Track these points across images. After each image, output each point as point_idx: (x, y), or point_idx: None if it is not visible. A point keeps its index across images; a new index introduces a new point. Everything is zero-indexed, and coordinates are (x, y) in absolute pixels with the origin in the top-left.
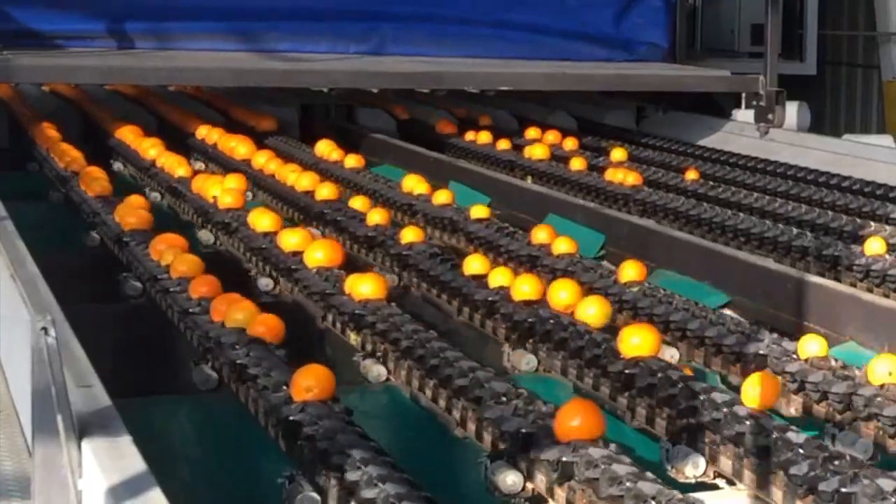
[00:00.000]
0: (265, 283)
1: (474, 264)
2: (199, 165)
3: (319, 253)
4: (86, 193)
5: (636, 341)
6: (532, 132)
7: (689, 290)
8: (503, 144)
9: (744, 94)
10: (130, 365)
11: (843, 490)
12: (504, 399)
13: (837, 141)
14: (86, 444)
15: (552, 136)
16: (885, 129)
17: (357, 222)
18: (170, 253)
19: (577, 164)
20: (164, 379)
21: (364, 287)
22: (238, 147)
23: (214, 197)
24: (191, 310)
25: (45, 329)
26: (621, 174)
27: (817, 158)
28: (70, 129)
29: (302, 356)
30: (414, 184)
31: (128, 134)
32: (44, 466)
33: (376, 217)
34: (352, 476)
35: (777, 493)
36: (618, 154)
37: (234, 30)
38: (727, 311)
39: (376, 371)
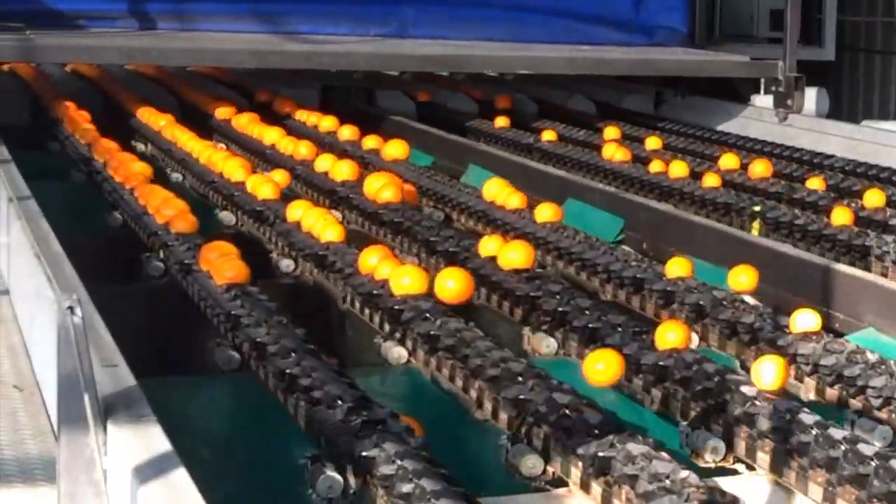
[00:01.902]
0: (286, 263)
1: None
2: (221, 146)
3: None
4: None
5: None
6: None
7: (708, 275)
8: (657, 167)
9: (763, 80)
10: (153, 345)
11: (859, 473)
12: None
13: (856, 127)
14: (111, 425)
15: (731, 159)
16: None
17: (634, 340)
18: None
19: (842, 216)
20: (186, 359)
21: None
22: (382, 191)
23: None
24: None
25: (71, 308)
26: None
27: (836, 144)
28: (91, 109)
29: (323, 338)
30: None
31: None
32: (69, 447)
33: (675, 334)
34: None
35: (796, 479)
36: (815, 183)
37: (254, 11)
38: (746, 297)
39: (397, 353)
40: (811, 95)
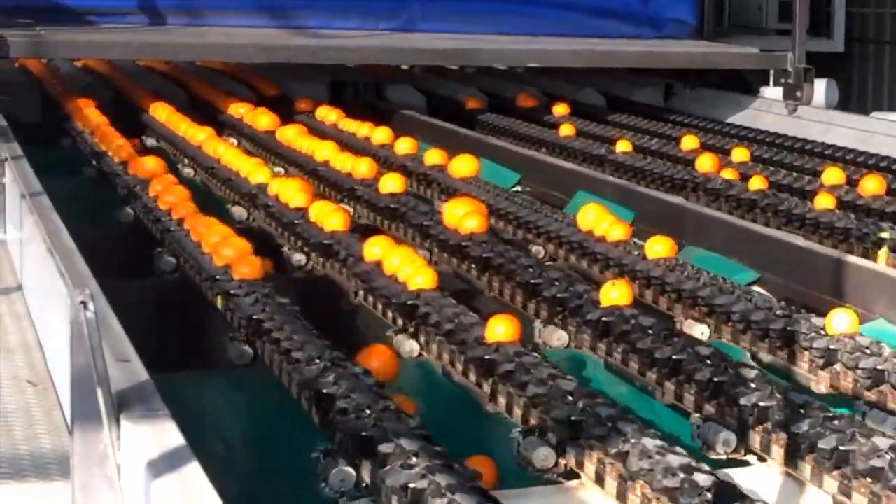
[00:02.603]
0: (298, 258)
1: None
2: (233, 141)
3: None
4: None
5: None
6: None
7: (718, 266)
8: (759, 183)
9: (772, 71)
10: (165, 340)
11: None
12: None
13: (865, 118)
14: (124, 419)
15: (836, 174)
16: None
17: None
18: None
19: None
20: (199, 354)
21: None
22: (466, 220)
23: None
24: None
25: (84, 303)
26: None
27: (845, 136)
28: (102, 104)
29: (334, 331)
30: None
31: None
32: (83, 441)
33: None
34: None
35: (807, 470)
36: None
37: (264, 6)
38: (756, 288)
39: (409, 346)
40: (820, 87)
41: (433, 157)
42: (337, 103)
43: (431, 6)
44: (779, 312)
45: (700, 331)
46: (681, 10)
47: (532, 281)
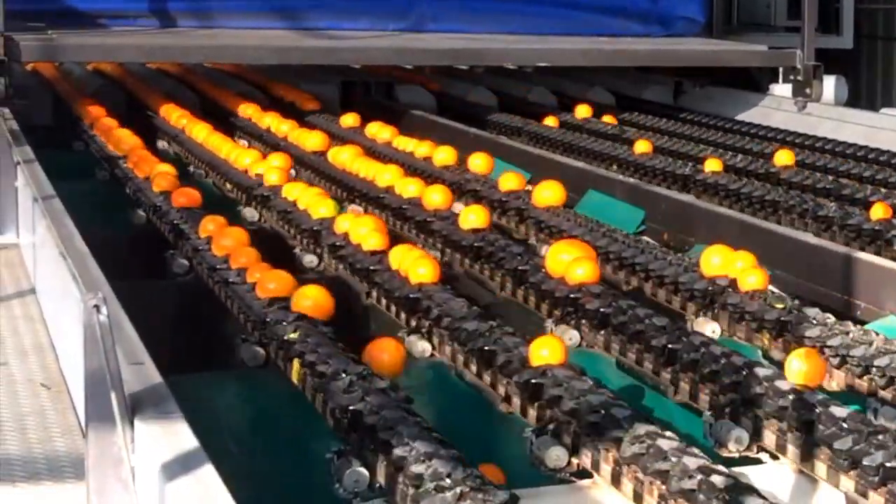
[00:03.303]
0: (309, 259)
1: None
2: (243, 143)
3: None
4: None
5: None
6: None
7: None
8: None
9: (781, 69)
10: (177, 342)
11: (887, 465)
12: None
13: (875, 115)
14: (138, 421)
15: None
16: None
17: None
18: None
19: None
20: (211, 356)
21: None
22: (574, 267)
23: None
24: None
25: (97, 307)
26: None
27: (855, 132)
28: (114, 106)
29: (346, 332)
30: None
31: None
32: (97, 444)
33: None
34: None
35: (820, 468)
36: None
37: (274, 7)
38: (771, 287)
39: (421, 347)
40: (830, 84)
41: (509, 181)
42: (348, 104)
43: (441, 6)
44: None
45: (711, 328)
46: (690, 8)
47: (672, 346)
